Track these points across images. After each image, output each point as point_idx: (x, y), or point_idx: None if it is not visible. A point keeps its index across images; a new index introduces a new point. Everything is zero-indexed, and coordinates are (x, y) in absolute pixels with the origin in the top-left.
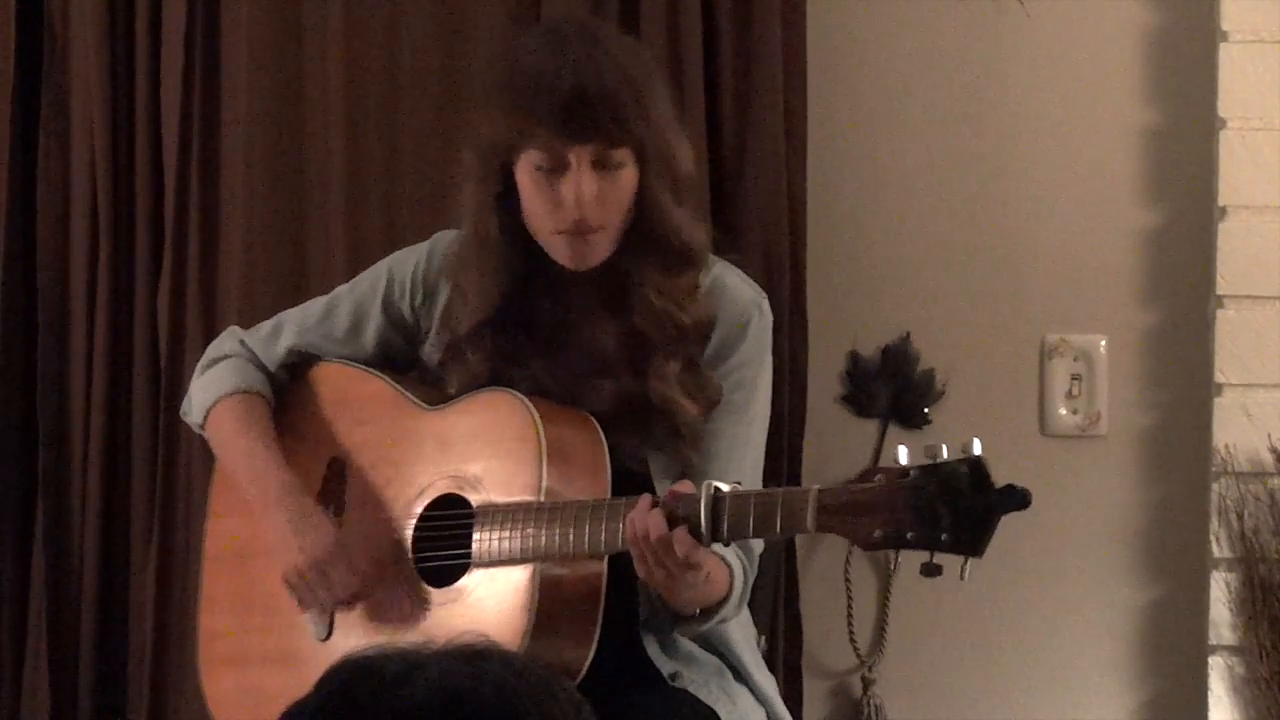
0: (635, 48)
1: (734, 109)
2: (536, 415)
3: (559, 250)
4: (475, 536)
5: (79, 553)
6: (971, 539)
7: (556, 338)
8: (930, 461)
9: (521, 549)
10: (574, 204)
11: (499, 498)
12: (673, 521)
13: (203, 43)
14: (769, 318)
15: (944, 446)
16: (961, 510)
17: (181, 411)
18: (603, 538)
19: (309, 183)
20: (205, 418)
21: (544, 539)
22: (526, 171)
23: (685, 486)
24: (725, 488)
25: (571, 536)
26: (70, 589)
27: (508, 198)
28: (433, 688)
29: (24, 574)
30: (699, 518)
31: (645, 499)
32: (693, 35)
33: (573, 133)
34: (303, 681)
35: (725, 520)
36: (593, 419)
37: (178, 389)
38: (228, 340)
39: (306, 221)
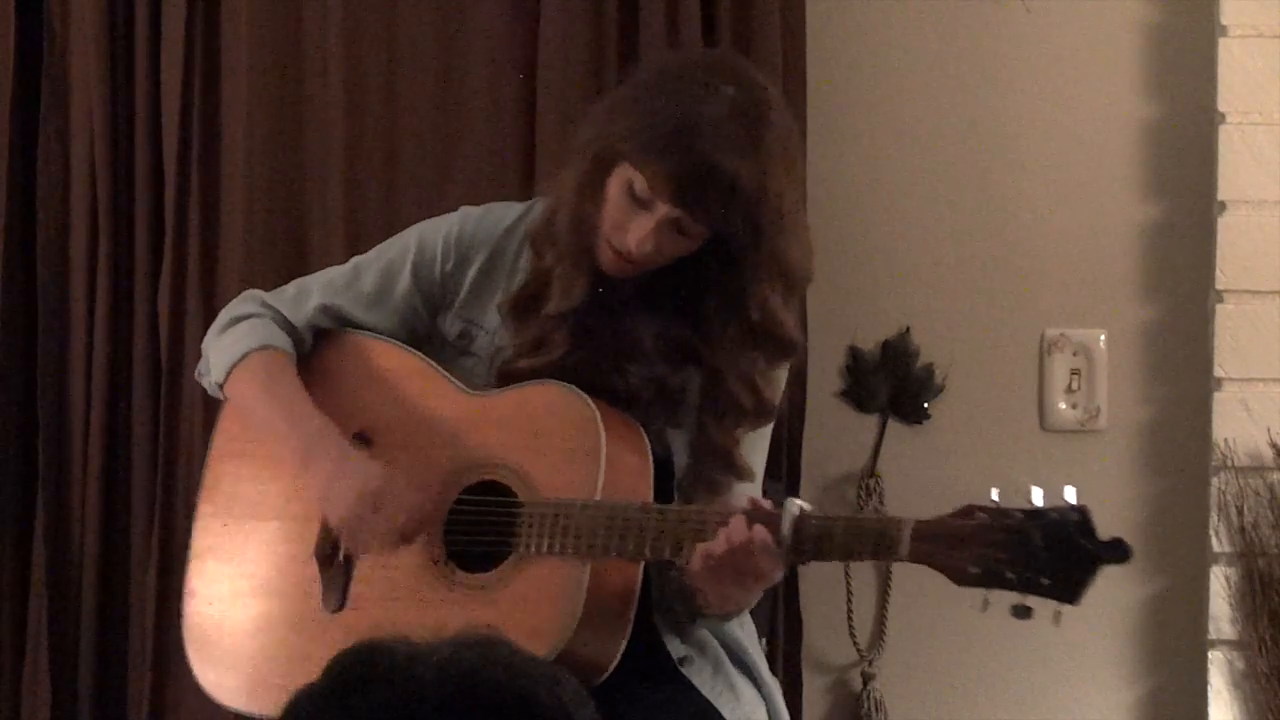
0: (787, 149)
1: None
2: (599, 416)
3: (603, 255)
4: (522, 528)
5: (79, 550)
6: (1071, 587)
7: (589, 320)
8: (1031, 505)
9: (575, 546)
10: (631, 241)
11: (549, 492)
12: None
13: (203, 40)
14: None
15: (1037, 490)
16: (1066, 557)
17: (197, 373)
18: (666, 549)
19: (309, 180)
20: (227, 376)
21: (601, 540)
22: (618, 182)
23: (763, 502)
24: (808, 507)
25: (632, 542)
26: (70, 586)
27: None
28: (445, 667)
29: (24, 571)
30: (780, 535)
31: (739, 517)
32: (692, 30)
33: (675, 196)
34: (304, 649)
35: (808, 540)
36: (640, 428)
37: (178, 386)
38: (248, 302)
39: (306, 218)
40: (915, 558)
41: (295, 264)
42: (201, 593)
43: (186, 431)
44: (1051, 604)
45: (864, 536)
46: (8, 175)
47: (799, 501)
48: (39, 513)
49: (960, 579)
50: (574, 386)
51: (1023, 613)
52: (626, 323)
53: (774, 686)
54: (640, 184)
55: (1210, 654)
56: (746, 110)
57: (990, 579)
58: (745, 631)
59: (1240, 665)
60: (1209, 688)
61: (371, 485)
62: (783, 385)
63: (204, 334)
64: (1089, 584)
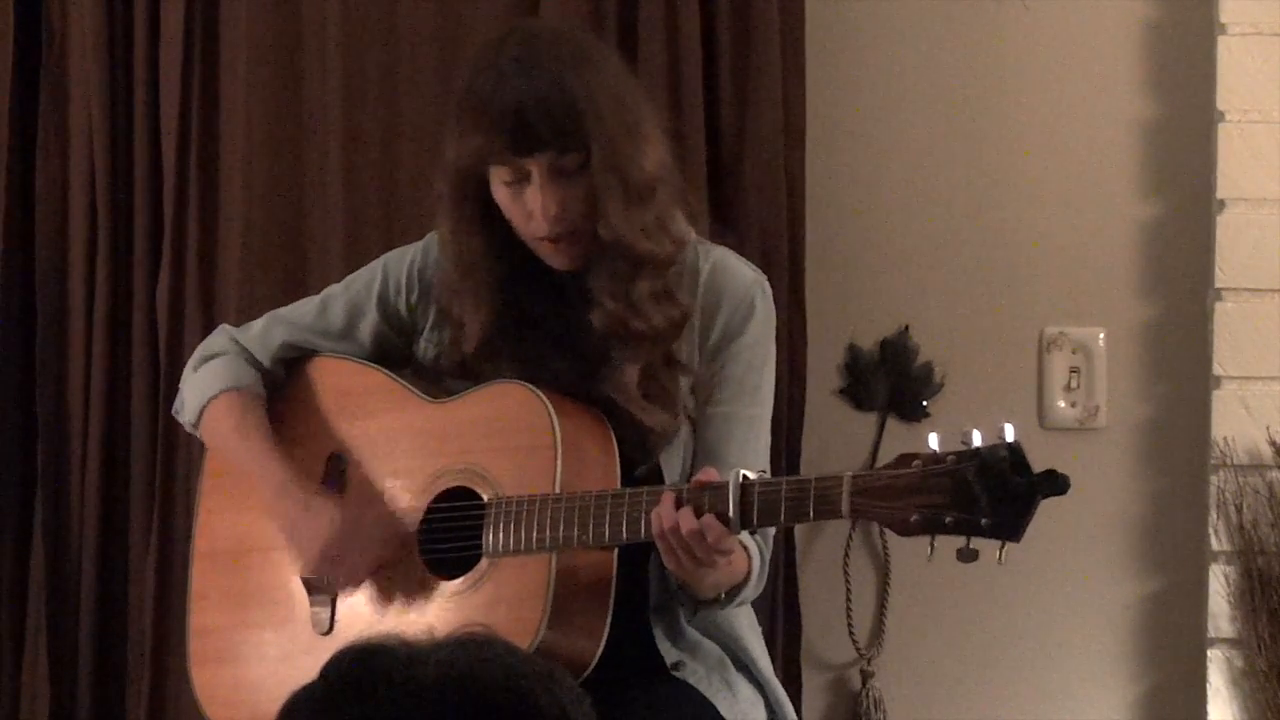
0: (580, 54)
1: (733, 102)
2: (552, 410)
3: (544, 255)
4: (488, 529)
5: (78, 548)
6: (1011, 523)
7: (560, 333)
8: (966, 447)
9: (538, 540)
10: (539, 214)
11: (512, 491)
12: (699, 511)
13: (201, 40)
14: (770, 297)
15: (976, 432)
16: (1002, 494)
17: (174, 410)
18: (624, 530)
19: (308, 178)
20: (199, 417)
21: (561, 532)
22: (498, 187)
23: (709, 475)
24: (753, 475)
25: (591, 530)
26: (69, 585)
27: (495, 212)
28: (443, 668)
29: (23, 570)
30: (728, 506)
31: (668, 494)
32: (691, 28)
33: (521, 147)
34: (302, 675)
35: (755, 508)
36: (602, 413)
37: (176, 384)
38: (219, 338)
39: (305, 218)
40: (856, 513)
41: (293, 262)
42: (203, 630)
43: (185, 430)
44: (996, 544)
45: (805, 498)
46: (7, 174)
47: (744, 470)
48: (38, 511)
49: (902, 529)
50: (529, 384)
51: (968, 555)
52: (587, 324)
53: (774, 682)
54: (502, 170)
55: (1209, 652)
56: (522, 46)
57: (930, 525)
58: (746, 626)
59: (1239, 663)
60: (1208, 686)
61: (334, 530)
62: (678, 313)
63: (202, 332)
64: (1028, 519)
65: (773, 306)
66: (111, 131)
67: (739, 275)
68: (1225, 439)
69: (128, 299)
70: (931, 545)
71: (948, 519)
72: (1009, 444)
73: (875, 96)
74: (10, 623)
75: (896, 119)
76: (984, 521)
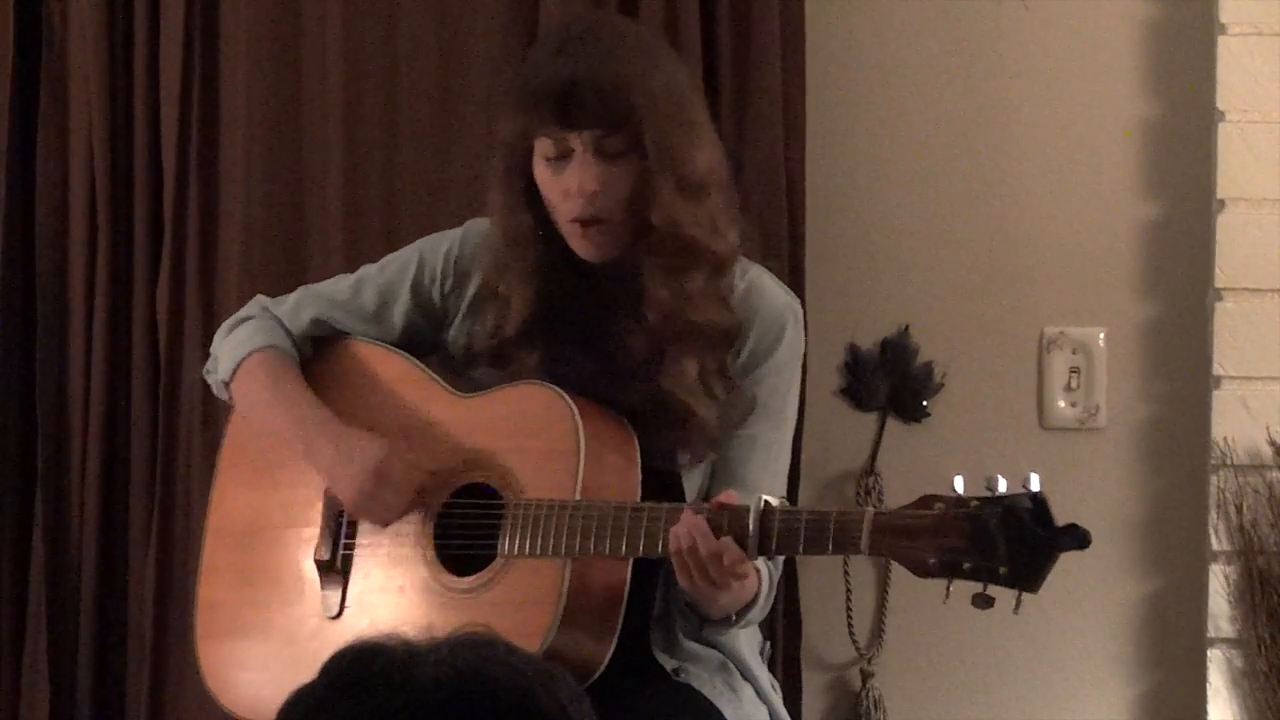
0: (642, 44)
1: (732, 101)
2: (577, 414)
3: (574, 241)
4: (505, 530)
5: (77, 548)
6: (1029, 574)
7: (592, 335)
8: (990, 493)
9: (554, 547)
10: (576, 192)
11: (532, 493)
12: (718, 532)
13: (202, 38)
14: (801, 323)
15: (1001, 478)
16: (1022, 544)
17: (205, 370)
18: (641, 544)
19: (308, 179)
20: (234, 374)
21: (579, 541)
22: (540, 163)
23: (731, 498)
24: (775, 502)
25: (609, 541)
26: (69, 585)
27: (537, 195)
28: (444, 666)
29: (23, 568)
30: (747, 531)
31: (688, 512)
32: (691, 28)
33: (569, 119)
34: (305, 655)
35: (774, 535)
36: (625, 420)
37: (177, 382)
38: (253, 306)
39: (305, 217)
40: (875, 550)
41: (293, 262)
42: (211, 604)
43: (185, 430)
44: (1013, 592)
45: (825, 530)
46: (7, 174)
47: (765, 496)
48: (38, 511)
49: (920, 570)
50: (555, 386)
51: (984, 602)
52: (619, 330)
53: (775, 696)
54: (546, 144)
55: (1209, 652)
56: (585, 29)
57: (948, 570)
58: (743, 643)
59: (1239, 663)
60: (1208, 686)
61: (375, 461)
62: (730, 317)
63: (202, 332)
64: (1047, 571)
65: (803, 333)
66: (111, 131)
67: (773, 298)
68: (1225, 439)
69: (128, 298)
70: (948, 589)
71: (966, 564)
72: (1033, 494)
73: (875, 96)
74: (10, 623)
75: (896, 119)
76: (1002, 570)
